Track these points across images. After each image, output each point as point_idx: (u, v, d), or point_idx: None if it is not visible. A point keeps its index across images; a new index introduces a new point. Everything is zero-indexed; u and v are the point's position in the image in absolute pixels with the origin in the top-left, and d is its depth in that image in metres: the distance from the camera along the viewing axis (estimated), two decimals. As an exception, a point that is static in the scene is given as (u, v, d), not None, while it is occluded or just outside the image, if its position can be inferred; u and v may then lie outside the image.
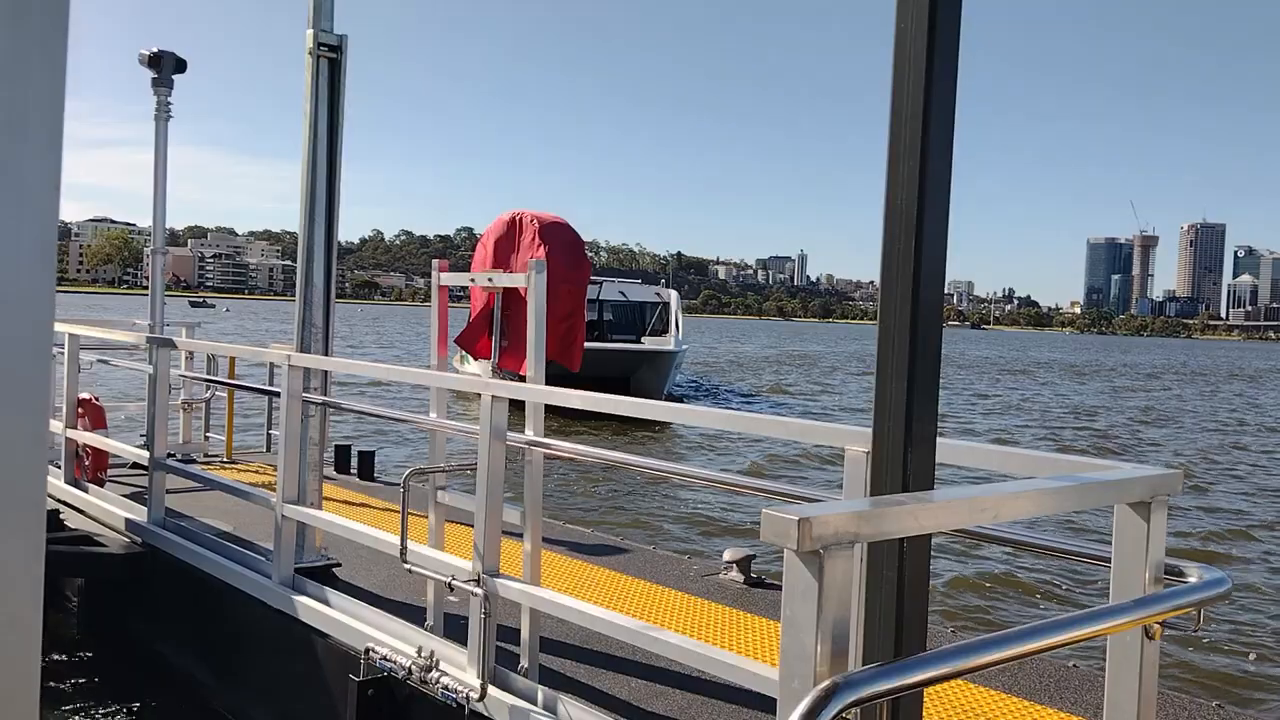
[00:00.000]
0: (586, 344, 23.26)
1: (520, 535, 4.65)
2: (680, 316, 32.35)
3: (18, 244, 1.56)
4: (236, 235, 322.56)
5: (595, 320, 31.52)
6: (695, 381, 41.28)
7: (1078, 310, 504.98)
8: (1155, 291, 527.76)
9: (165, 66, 9.11)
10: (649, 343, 31.38)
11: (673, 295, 33.81)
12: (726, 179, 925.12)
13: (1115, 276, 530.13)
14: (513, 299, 5.10)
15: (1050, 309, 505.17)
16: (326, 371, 6.35)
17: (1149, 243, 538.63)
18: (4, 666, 1.61)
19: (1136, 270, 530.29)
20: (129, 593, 7.10)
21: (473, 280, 5.25)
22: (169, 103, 9.24)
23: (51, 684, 6.64)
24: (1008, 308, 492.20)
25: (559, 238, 5.15)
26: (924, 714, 2.06)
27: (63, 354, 8.04)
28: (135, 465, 8.44)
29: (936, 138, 1.99)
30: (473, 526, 4.52)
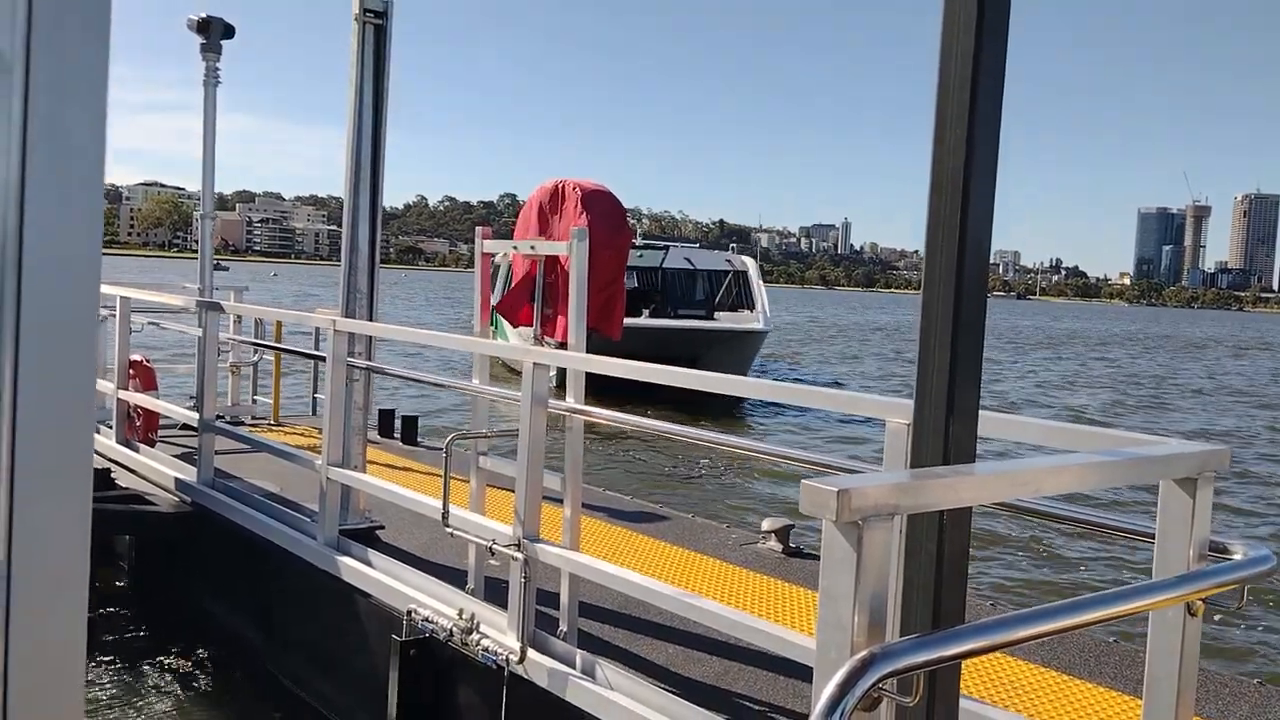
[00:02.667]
0: (648, 321, 21.70)
1: (560, 501, 4.70)
2: (763, 288, 26.51)
3: (65, 208, 1.58)
4: (283, 200, 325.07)
5: (653, 291, 26.79)
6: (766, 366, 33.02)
7: (1127, 281, 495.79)
8: (1207, 263, 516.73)
9: (214, 32, 9.16)
10: (724, 319, 25.93)
11: (750, 263, 28.00)
12: (770, 146, 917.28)
13: (1166, 247, 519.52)
14: (554, 266, 5.11)
15: (1099, 280, 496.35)
16: (370, 336, 6.43)
17: (1201, 213, 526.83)
18: (54, 620, 1.66)
19: (1189, 241, 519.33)
20: (178, 550, 7.26)
21: (515, 248, 5.27)
22: (217, 68, 9.30)
23: (102, 637, 6.82)
24: (1055, 278, 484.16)
25: (601, 205, 5.14)
26: (961, 685, 2.05)
27: (114, 316, 8.19)
28: (185, 426, 8.61)
29: (985, 103, 1.96)
30: (514, 492, 4.57)
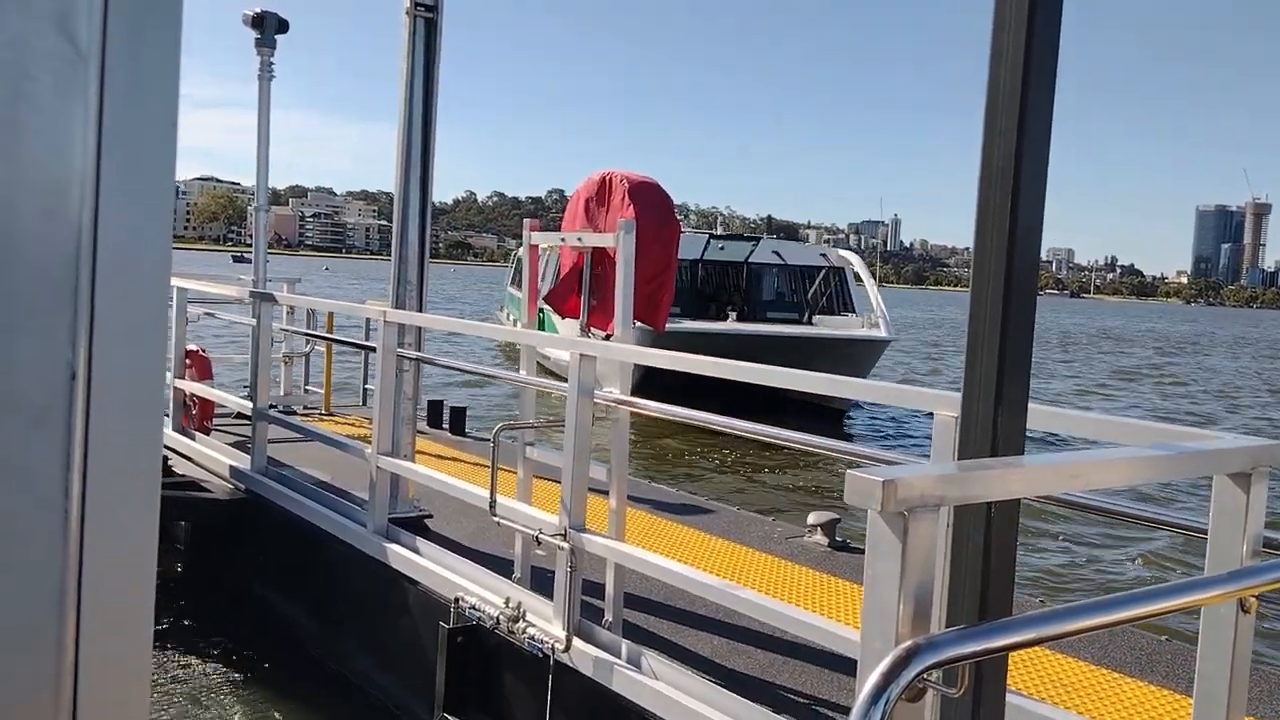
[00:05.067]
0: (739, 327, 19.52)
1: (606, 492, 4.72)
2: (874, 288, 21.45)
3: (139, 199, 1.62)
4: (335, 195, 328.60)
5: (735, 290, 23.75)
6: None
7: (1184, 280, 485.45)
8: (1267, 261, 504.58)
9: (268, 27, 9.28)
10: (826, 325, 21.83)
11: (853, 259, 23.45)
12: (818, 142, 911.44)
13: (1225, 245, 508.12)
14: (601, 258, 5.14)
15: (1155, 278, 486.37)
16: (420, 328, 6.50)
17: (1262, 210, 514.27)
18: (123, 603, 1.71)
19: (1248, 239, 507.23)
20: (232, 536, 7.40)
21: (563, 240, 5.30)
22: (272, 63, 9.42)
23: (157, 621, 6.97)
24: (1110, 276, 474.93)
25: (648, 198, 5.15)
26: (1010, 681, 2.04)
27: (172, 307, 8.35)
28: (239, 415, 8.76)
29: (1036, 92, 1.94)
30: (560, 482, 4.60)
